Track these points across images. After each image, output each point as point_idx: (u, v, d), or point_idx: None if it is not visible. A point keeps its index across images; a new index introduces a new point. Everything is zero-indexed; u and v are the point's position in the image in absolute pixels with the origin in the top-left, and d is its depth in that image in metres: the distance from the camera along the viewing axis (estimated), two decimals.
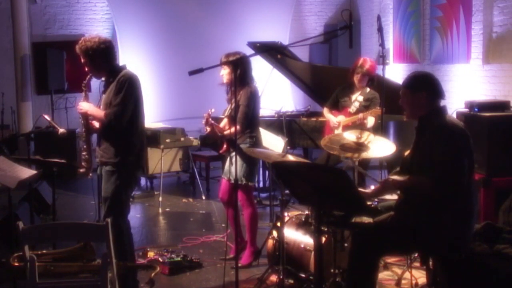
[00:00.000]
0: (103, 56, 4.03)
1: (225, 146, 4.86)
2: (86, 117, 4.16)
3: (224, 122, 4.93)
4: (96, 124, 4.18)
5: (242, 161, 4.61)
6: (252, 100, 4.70)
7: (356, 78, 5.52)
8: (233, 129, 4.58)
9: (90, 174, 4.26)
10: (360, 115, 5.39)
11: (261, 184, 7.33)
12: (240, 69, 4.59)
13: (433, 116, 3.35)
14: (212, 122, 4.74)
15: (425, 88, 3.38)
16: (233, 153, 4.61)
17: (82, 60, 4.07)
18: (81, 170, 4.24)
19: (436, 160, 3.20)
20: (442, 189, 3.19)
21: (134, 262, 4.24)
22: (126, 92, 3.96)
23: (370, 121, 5.42)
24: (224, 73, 4.73)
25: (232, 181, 4.70)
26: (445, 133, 3.26)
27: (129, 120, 4.00)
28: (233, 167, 4.67)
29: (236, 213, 4.74)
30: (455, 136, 3.25)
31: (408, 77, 3.52)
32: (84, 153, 4.22)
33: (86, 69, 4.11)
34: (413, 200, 3.31)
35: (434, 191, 3.20)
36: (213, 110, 4.74)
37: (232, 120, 4.56)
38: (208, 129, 4.75)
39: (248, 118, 4.69)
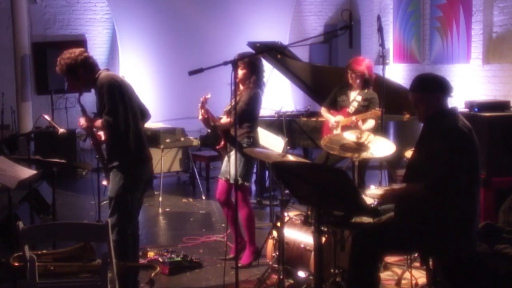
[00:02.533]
0: (85, 67, 3.99)
1: (222, 142, 4.85)
2: (90, 131, 4.15)
3: (223, 119, 4.92)
4: (102, 134, 4.16)
5: (239, 160, 4.61)
6: (254, 100, 4.72)
7: (350, 78, 5.52)
8: (227, 120, 4.64)
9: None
10: (353, 118, 5.37)
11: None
12: (256, 72, 4.75)
13: (441, 118, 3.32)
14: (207, 108, 4.72)
15: (430, 89, 3.35)
16: (231, 153, 4.61)
17: (66, 79, 4.05)
18: (104, 183, 4.25)
19: (433, 164, 3.19)
20: (433, 196, 3.19)
21: (137, 263, 4.24)
22: (109, 97, 3.89)
23: (370, 123, 5.40)
24: (241, 73, 4.73)
25: (231, 181, 4.70)
26: (449, 136, 3.23)
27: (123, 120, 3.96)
28: (229, 166, 4.68)
29: (235, 213, 4.74)
30: (457, 141, 3.22)
31: (415, 80, 3.46)
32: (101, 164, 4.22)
33: (74, 87, 4.08)
34: (419, 200, 3.30)
35: (426, 198, 3.21)
36: (209, 96, 4.72)
37: (230, 116, 4.57)
38: (203, 112, 4.71)
39: (245, 114, 4.69)
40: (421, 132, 3.45)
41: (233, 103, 4.56)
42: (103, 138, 4.13)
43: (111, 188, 4.06)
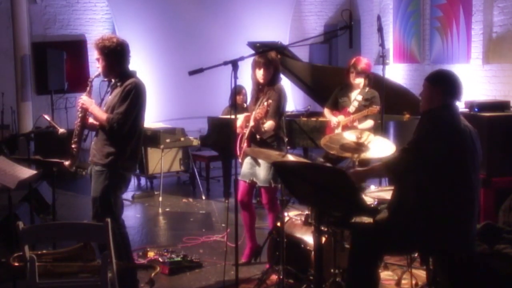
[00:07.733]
0: (117, 58, 4.06)
1: (239, 150, 4.72)
2: (85, 111, 4.16)
3: (241, 119, 4.81)
4: (91, 120, 4.18)
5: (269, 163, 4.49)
6: (284, 98, 4.71)
7: (352, 78, 5.53)
8: (270, 122, 4.56)
9: (74, 168, 4.26)
10: (350, 117, 5.40)
11: None
12: (276, 68, 4.70)
13: (438, 110, 3.33)
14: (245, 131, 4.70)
15: (441, 84, 3.37)
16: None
17: (96, 57, 4.09)
18: (66, 163, 4.22)
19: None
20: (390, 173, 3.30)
21: (131, 262, 4.24)
22: (131, 102, 3.98)
23: (368, 123, 5.41)
24: (261, 73, 4.67)
25: (258, 183, 4.67)
26: (436, 124, 3.26)
27: (129, 127, 4.02)
28: (258, 168, 4.63)
29: (253, 217, 4.80)
30: (443, 130, 3.23)
31: (434, 71, 3.55)
32: (73, 146, 4.20)
33: (98, 66, 4.12)
34: (407, 199, 3.30)
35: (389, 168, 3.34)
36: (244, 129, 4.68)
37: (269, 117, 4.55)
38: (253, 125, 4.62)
39: (280, 114, 4.68)
40: (416, 128, 3.44)
41: (259, 105, 4.56)
42: (90, 121, 4.18)
43: (95, 188, 4.08)
